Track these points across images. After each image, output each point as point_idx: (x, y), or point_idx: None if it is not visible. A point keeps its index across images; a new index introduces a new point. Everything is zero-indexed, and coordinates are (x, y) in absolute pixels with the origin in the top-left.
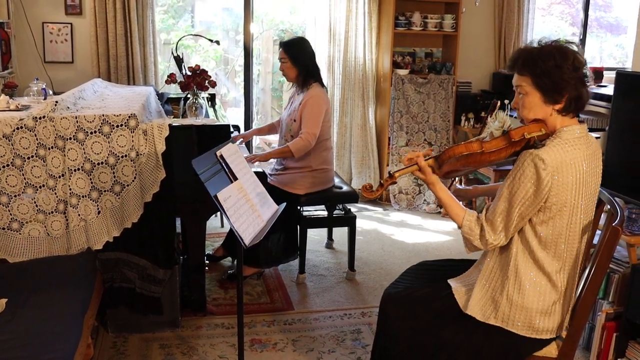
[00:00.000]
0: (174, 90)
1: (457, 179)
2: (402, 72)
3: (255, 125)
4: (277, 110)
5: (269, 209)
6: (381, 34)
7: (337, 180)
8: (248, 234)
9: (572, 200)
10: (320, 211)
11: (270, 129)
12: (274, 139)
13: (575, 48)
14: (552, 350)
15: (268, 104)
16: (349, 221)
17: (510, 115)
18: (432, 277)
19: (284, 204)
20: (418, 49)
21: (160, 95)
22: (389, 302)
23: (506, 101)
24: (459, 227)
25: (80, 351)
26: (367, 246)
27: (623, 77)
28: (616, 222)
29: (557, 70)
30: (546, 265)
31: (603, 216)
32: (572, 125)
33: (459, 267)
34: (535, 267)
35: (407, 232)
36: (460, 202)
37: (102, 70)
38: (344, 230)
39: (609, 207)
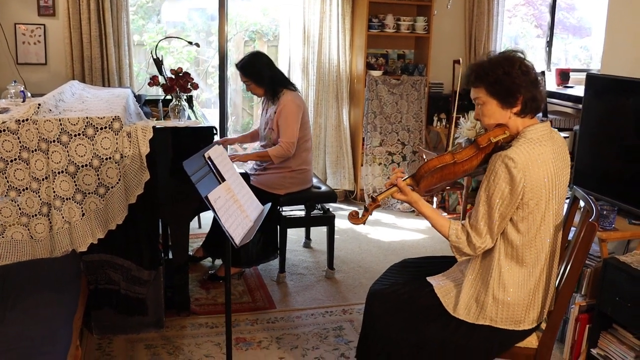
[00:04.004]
0: (147, 92)
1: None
2: (376, 73)
3: (230, 126)
4: (247, 110)
5: (255, 209)
6: (354, 36)
7: (315, 181)
8: (237, 234)
9: (547, 195)
10: (297, 211)
11: (253, 137)
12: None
13: (521, 55)
14: (532, 341)
15: (239, 105)
16: (328, 220)
17: None
18: (414, 274)
19: (269, 204)
20: (391, 50)
21: (137, 97)
22: (374, 298)
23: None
24: (447, 238)
25: (71, 353)
26: (345, 245)
27: (594, 80)
28: (592, 218)
29: (506, 76)
30: (527, 260)
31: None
32: (534, 125)
33: (440, 264)
34: (517, 264)
35: (383, 230)
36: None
37: (76, 72)
38: (320, 229)
39: (582, 204)
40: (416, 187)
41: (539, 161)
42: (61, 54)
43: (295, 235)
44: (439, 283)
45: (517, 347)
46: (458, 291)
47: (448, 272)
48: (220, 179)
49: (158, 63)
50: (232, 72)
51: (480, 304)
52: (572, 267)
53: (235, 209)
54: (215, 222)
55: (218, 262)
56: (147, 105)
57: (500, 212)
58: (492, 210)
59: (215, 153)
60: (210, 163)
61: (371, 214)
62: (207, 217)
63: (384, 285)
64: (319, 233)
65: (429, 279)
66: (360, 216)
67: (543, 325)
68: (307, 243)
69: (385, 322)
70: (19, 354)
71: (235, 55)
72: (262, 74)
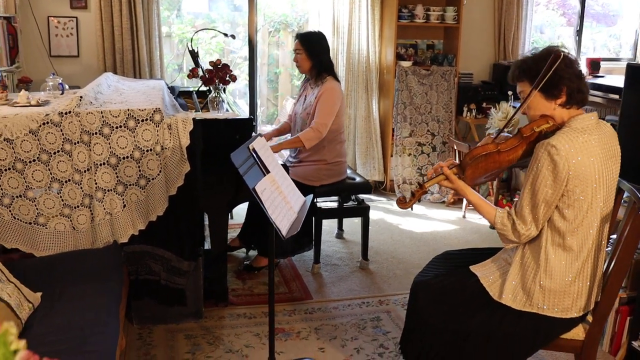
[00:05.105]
0: (172, 82)
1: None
2: (406, 64)
3: (259, 117)
4: (272, 101)
5: (297, 201)
6: (384, 26)
7: (349, 172)
8: (284, 226)
9: (593, 182)
10: (329, 202)
11: (284, 131)
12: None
13: (564, 49)
14: (579, 332)
15: (264, 96)
16: (363, 211)
17: (514, 107)
18: (458, 265)
19: (311, 196)
20: (420, 40)
21: (171, 89)
22: (419, 289)
23: (509, 92)
24: (494, 225)
25: (119, 342)
26: (377, 236)
27: (633, 69)
28: None
29: (549, 68)
30: (574, 248)
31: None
32: (579, 115)
33: (482, 255)
34: (564, 252)
35: (414, 221)
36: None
37: (108, 64)
38: (351, 220)
39: (626, 195)
40: (462, 175)
41: (583, 149)
42: (93, 46)
43: (327, 226)
44: (484, 273)
45: (563, 338)
46: (503, 280)
47: (492, 262)
48: (265, 170)
49: (194, 55)
50: (260, 64)
51: (527, 291)
52: (620, 259)
53: (280, 201)
54: (250, 213)
55: (252, 252)
56: (181, 96)
57: (544, 199)
58: (537, 198)
59: (259, 144)
60: (255, 155)
61: (418, 200)
62: (238, 207)
63: (428, 276)
64: (350, 223)
65: (472, 268)
66: (407, 201)
67: (589, 318)
68: (340, 234)
69: (429, 312)
70: (71, 343)
71: (260, 45)
72: (317, 49)
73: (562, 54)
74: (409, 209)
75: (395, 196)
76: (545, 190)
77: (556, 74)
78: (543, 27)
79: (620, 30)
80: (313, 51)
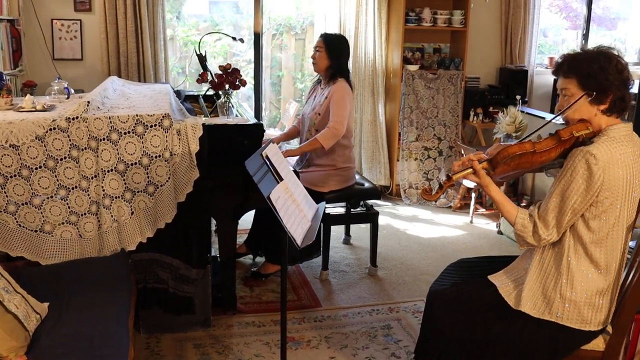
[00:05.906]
0: (175, 86)
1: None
2: (413, 67)
3: (263, 121)
4: (275, 104)
5: (310, 208)
6: (391, 29)
7: (357, 177)
8: (298, 235)
9: (623, 195)
10: (338, 208)
11: (292, 135)
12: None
13: (617, 53)
14: (599, 343)
15: (267, 99)
16: (372, 217)
17: (522, 111)
18: (473, 274)
19: (324, 203)
20: (426, 44)
21: (177, 93)
22: (435, 298)
23: (517, 96)
24: (512, 225)
25: (129, 353)
26: (384, 241)
27: None
28: None
29: (601, 71)
30: (597, 259)
31: None
32: (617, 124)
33: (499, 263)
34: (587, 262)
35: (421, 226)
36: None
37: (112, 67)
38: (358, 225)
39: None
40: (491, 172)
41: (620, 161)
42: (97, 49)
43: (333, 232)
44: (503, 282)
45: (583, 349)
46: (522, 288)
47: (510, 270)
48: (278, 177)
49: (202, 59)
50: (265, 67)
51: (547, 299)
52: None
53: (294, 209)
54: (257, 219)
55: (259, 259)
56: (187, 100)
57: (573, 207)
58: (565, 205)
59: (272, 151)
60: (268, 162)
61: (444, 193)
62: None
63: (444, 285)
64: (357, 229)
65: (490, 278)
66: (433, 193)
67: (609, 328)
68: (347, 240)
69: (445, 322)
70: (81, 355)
71: (263, 48)
72: (339, 51)
73: (617, 58)
74: (434, 201)
75: (402, 201)
76: (575, 198)
77: (606, 78)
78: (546, 30)
79: (625, 34)
80: (334, 52)
